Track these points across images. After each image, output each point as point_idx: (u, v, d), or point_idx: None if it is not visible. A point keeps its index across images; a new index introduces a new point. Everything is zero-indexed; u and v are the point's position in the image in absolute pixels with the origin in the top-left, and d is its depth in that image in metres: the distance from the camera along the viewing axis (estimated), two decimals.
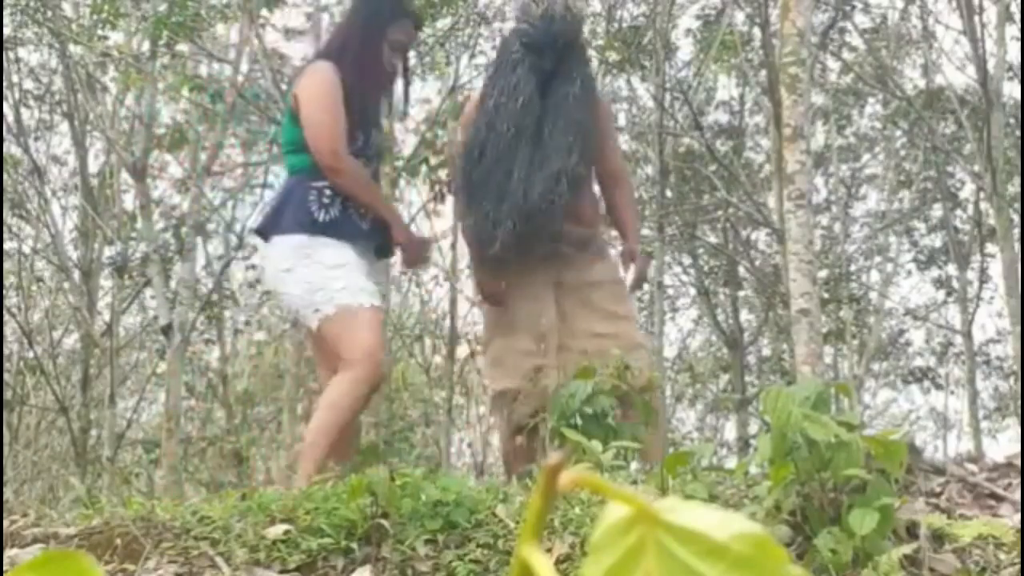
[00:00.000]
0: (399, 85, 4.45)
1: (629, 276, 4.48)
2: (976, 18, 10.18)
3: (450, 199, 9.75)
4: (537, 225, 4.18)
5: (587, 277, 4.29)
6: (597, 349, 4.11)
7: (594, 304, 4.24)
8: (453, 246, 12.68)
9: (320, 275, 3.91)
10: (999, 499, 2.76)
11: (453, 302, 12.03)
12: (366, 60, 4.13)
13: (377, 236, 4.14)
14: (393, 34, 4.19)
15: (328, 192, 3.99)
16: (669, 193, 11.90)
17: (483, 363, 4.41)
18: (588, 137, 4.28)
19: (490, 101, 4.29)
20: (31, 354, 11.38)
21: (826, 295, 12.76)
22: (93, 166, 11.60)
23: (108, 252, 11.38)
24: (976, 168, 11.14)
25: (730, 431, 15.49)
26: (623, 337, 4.17)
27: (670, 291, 14.32)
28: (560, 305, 4.22)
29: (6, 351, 11.44)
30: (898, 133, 14.38)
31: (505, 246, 4.19)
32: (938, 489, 2.78)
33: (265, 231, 4.11)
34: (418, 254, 4.37)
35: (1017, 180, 10.94)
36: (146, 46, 9.65)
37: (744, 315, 14.29)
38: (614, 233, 4.89)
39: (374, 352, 3.86)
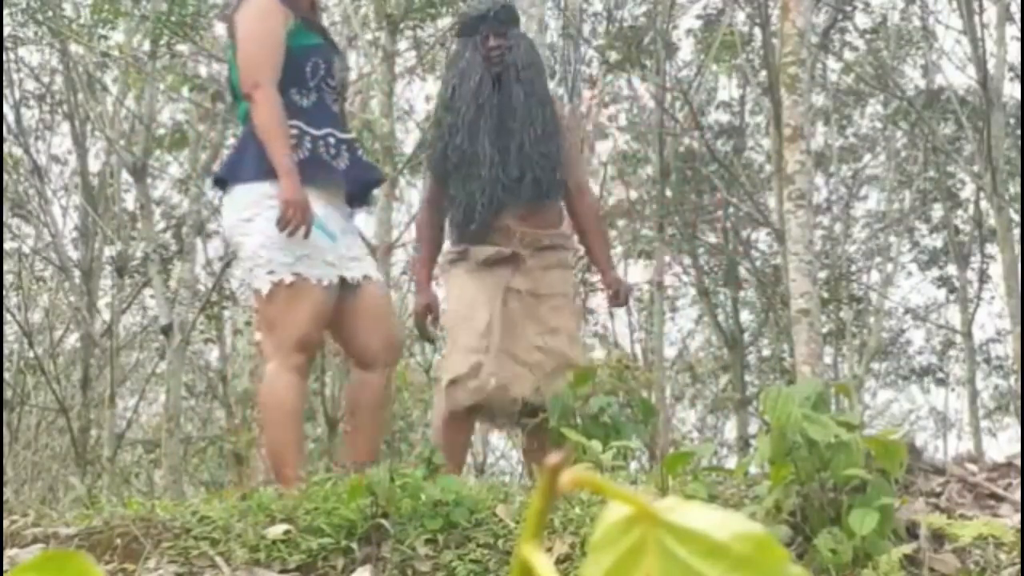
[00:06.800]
0: None
1: (613, 301, 4.55)
2: (976, 18, 10.18)
3: None
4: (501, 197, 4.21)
5: (537, 286, 4.27)
6: (535, 361, 4.15)
7: (538, 316, 4.24)
8: None
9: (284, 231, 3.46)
10: (999, 499, 2.76)
11: None
12: None
13: (355, 179, 3.74)
14: None
15: (294, 132, 3.56)
16: (669, 193, 11.90)
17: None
18: (536, 116, 4.26)
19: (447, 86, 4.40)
20: (31, 354, 11.38)
21: (826, 295, 12.75)
22: (93, 166, 11.61)
23: (108, 252, 11.38)
24: (976, 168, 11.14)
25: (730, 431, 15.49)
26: (556, 354, 4.18)
27: (670, 291, 14.32)
28: (507, 309, 4.21)
29: (6, 351, 11.44)
30: (898, 133, 14.39)
31: (479, 217, 4.23)
32: (938, 489, 2.78)
33: (225, 180, 3.67)
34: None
35: (1017, 180, 10.94)
36: (146, 46, 9.65)
37: (744, 315, 14.29)
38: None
39: (307, 340, 3.54)
